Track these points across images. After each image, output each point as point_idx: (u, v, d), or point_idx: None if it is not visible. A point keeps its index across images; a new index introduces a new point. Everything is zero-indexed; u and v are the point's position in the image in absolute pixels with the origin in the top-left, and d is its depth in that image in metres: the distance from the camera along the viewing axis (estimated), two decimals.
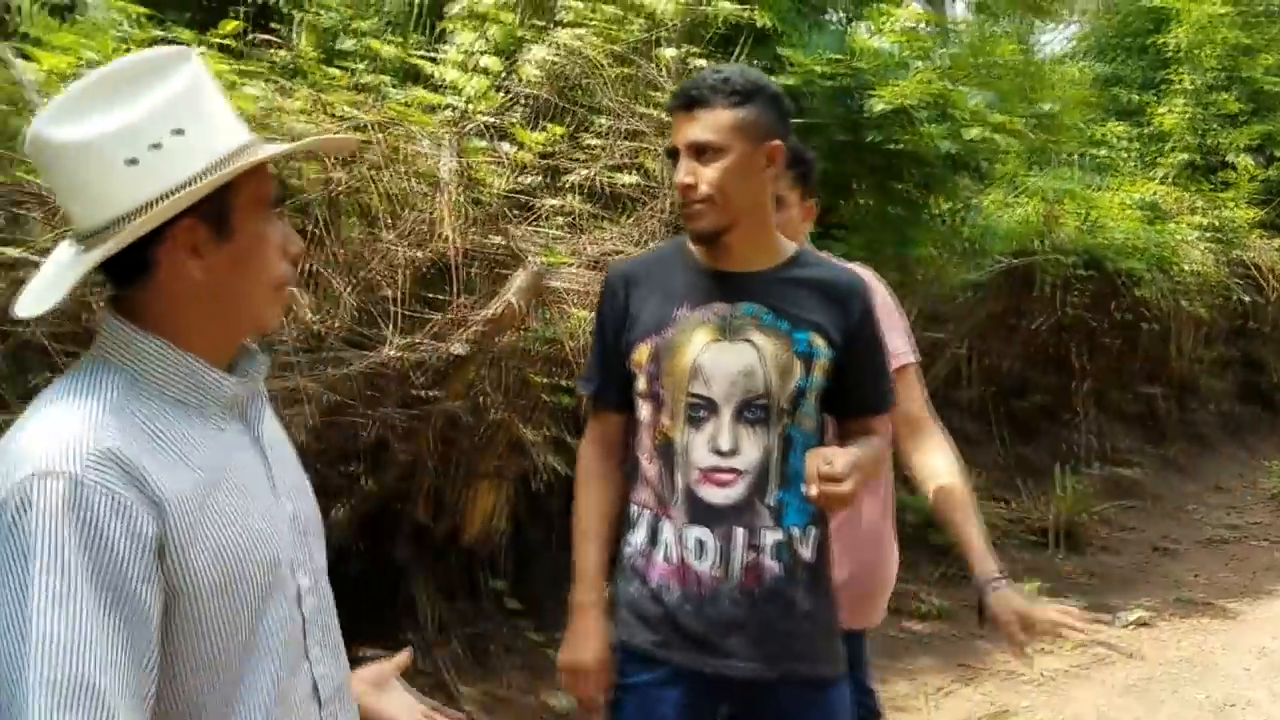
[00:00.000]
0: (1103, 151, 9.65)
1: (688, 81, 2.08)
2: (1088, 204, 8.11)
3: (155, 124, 1.18)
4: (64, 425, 1.14)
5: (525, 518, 4.27)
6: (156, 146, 1.17)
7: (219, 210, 1.22)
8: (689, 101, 1.98)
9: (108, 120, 1.17)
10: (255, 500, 1.27)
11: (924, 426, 2.51)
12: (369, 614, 3.99)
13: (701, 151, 1.96)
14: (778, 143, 2.01)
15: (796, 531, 2.02)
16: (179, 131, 1.18)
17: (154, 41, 3.68)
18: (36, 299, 1.22)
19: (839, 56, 5.40)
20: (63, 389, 1.21)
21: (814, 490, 1.84)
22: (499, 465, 3.95)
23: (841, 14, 6.40)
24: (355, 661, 3.92)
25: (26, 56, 3.27)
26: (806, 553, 2.04)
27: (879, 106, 5.28)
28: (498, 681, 4.02)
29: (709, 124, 1.95)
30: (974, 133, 5.49)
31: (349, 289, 3.39)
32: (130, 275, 1.22)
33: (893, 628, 5.35)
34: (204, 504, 1.19)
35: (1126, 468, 8.19)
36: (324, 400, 3.21)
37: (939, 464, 2.45)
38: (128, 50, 3.42)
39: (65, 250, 1.25)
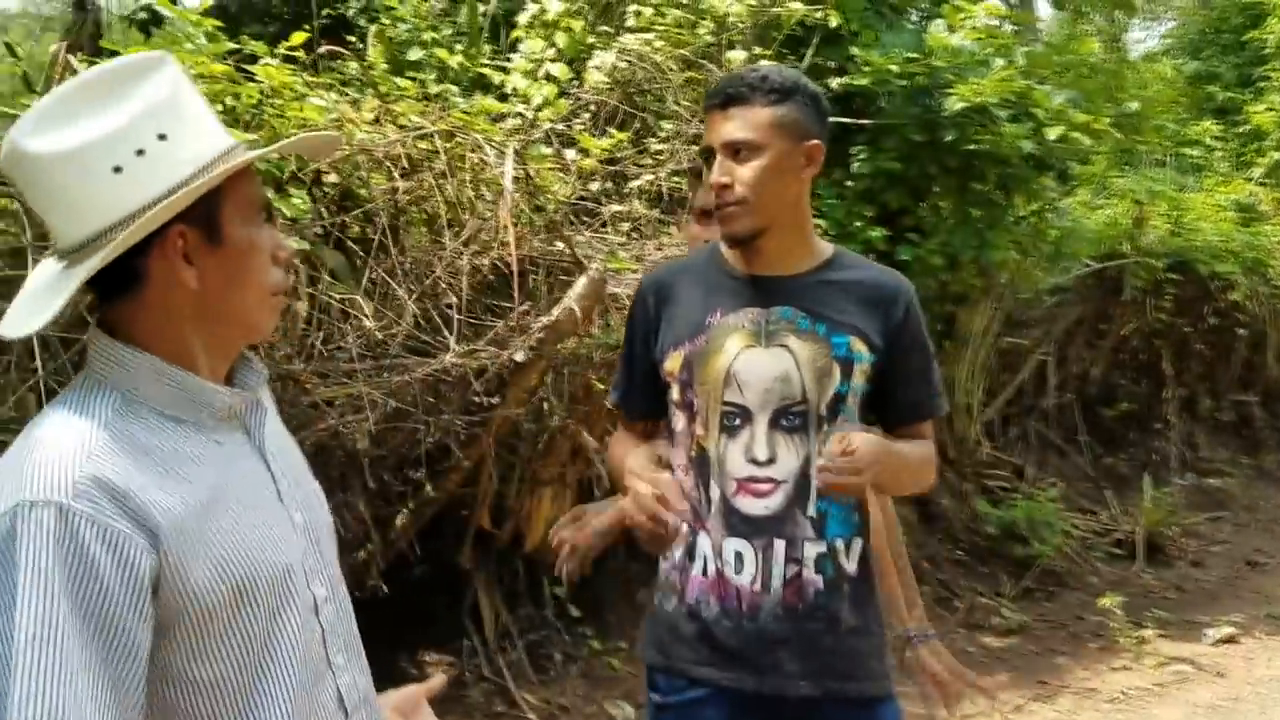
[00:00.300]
0: (1195, 151, 9.34)
1: (724, 79, 2.03)
2: (1179, 205, 7.86)
3: (139, 130, 1.14)
4: (53, 451, 1.10)
5: None
6: (141, 153, 1.14)
7: (209, 216, 1.18)
8: (726, 99, 1.93)
9: (90, 128, 1.13)
10: (260, 512, 1.24)
11: None
12: (432, 620, 4.02)
13: (737, 150, 1.91)
14: (817, 142, 1.95)
15: (840, 543, 1.96)
16: (163, 137, 1.15)
17: (229, 54, 3.75)
18: (25, 318, 1.18)
19: (914, 55, 5.31)
20: (54, 412, 1.17)
21: (822, 474, 1.81)
22: (561, 472, 3.95)
23: (917, 13, 6.28)
24: (418, 666, 3.91)
25: None
26: (850, 565, 1.97)
27: (957, 105, 5.16)
28: (559, 689, 4.01)
29: (746, 122, 1.90)
30: (1057, 132, 5.34)
31: (412, 296, 3.42)
32: (120, 289, 1.18)
33: (970, 644, 5.24)
34: (204, 521, 1.15)
35: (1217, 478, 7.92)
36: (386, 407, 3.23)
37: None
38: (202, 62, 3.50)
39: (48, 267, 1.21)
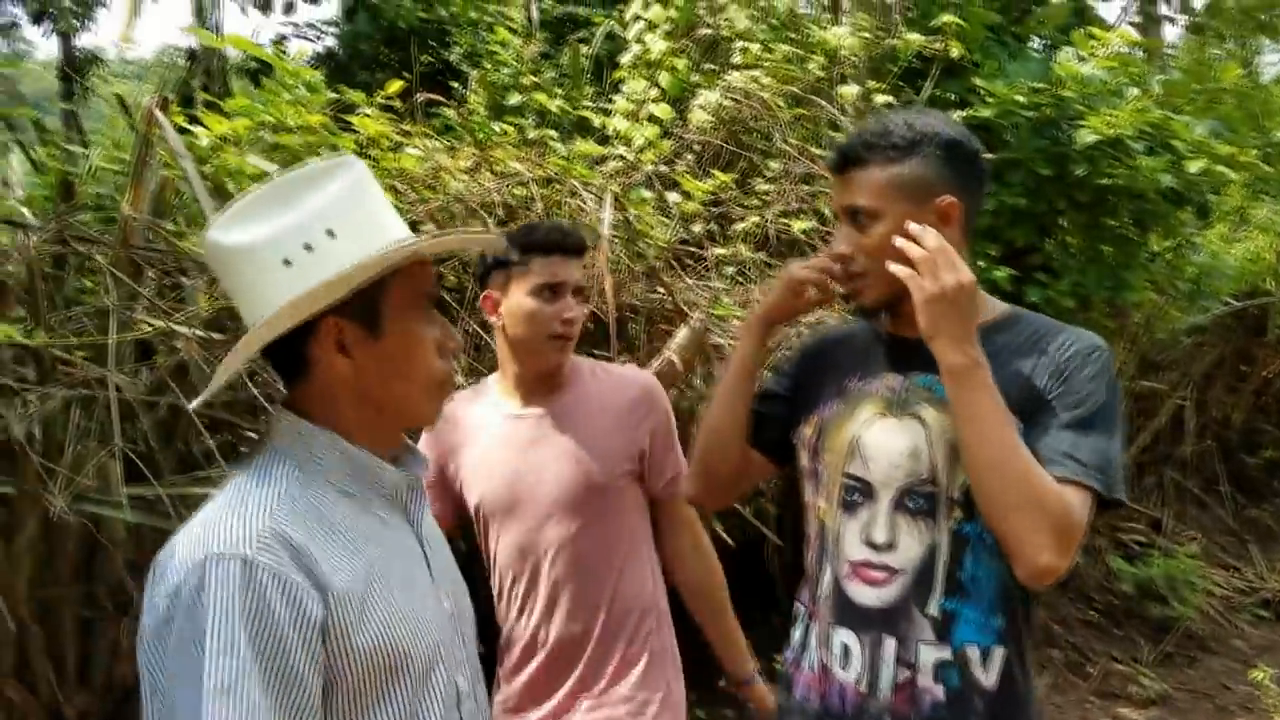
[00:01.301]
0: None
1: (847, 136, 1.84)
2: None
3: (310, 226, 1.23)
4: (239, 511, 1.20)
5: None
6: (309, 248, 1.23)
7: (371, 309, 1.27)
8: (842, 161, 1.75)
9: (268, 225, 1.24)
10: (416, 593, 1.30)
11: (691, 523, 2.42)
12: None
13: (856, 216, 1.73)
14: (950, 198, 1.71)
15: (974, 652, 1.69)
16: (331, 234, 1.23)
17: (330, 104, 3.71)
18: (209, 393, 1.34)
19: (1041, 85, 5.03)
20: (239, 478, 1.27)
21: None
22: None
23: (1042, 41, 5.98)
24: None
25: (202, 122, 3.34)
26: (987, 679, 1.69)
27: (1088, 137, 4.86)
28: None
29: (861, 185, 1.72)
30: (1198, 165, 4.98)
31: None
32: (293, 371, 1.29)
33: (1105, 714, 4.87)
34: (369, 593, 1.22)
35: None
36: None
37: (695, 557, 2.41)
38: (300, 113, 3.45)
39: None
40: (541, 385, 2.26)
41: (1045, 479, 1.59)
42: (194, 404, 1.37)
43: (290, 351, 1.27)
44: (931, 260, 1.62)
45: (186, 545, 1.18)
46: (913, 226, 1.66)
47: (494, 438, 2.25)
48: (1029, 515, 1.57)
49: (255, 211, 1.26)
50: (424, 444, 2.31)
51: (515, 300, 2.19)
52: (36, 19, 9.53)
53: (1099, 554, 5.96)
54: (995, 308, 1.80)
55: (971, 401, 1.61)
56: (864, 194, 1.71)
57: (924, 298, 1.61)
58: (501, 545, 2.25)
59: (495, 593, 2.30)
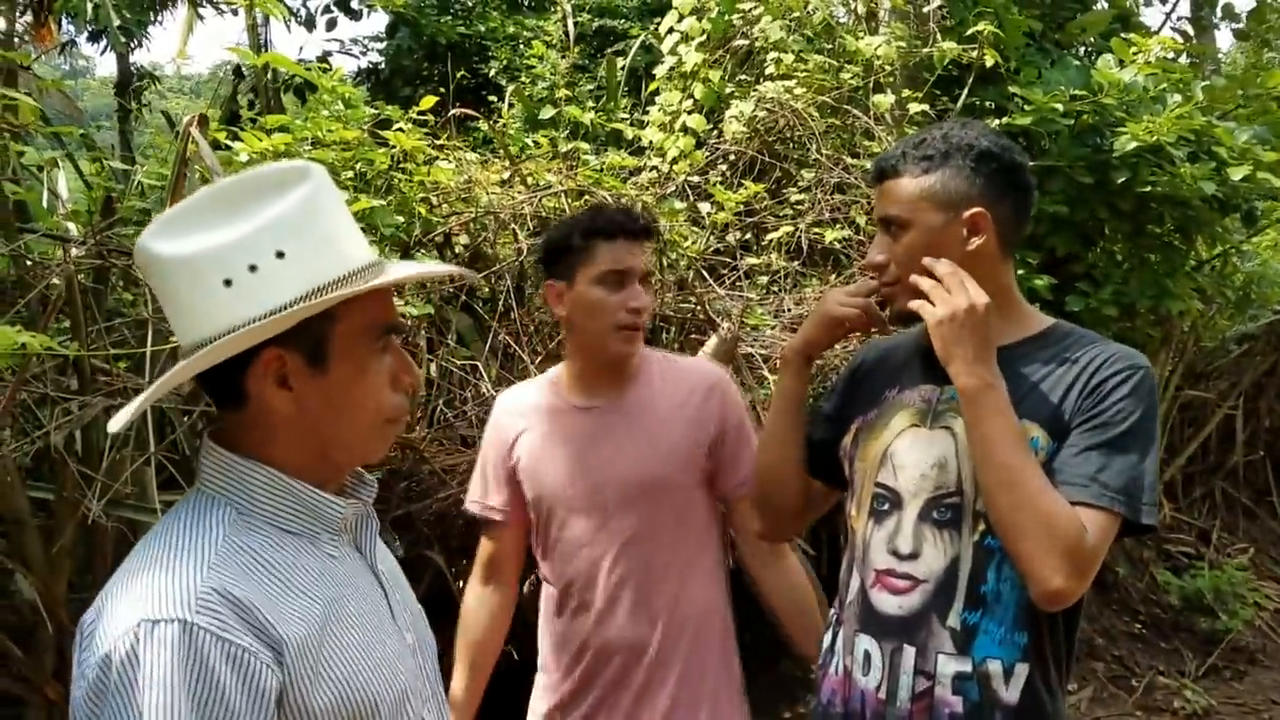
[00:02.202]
0: None
1: (888, 148, 1.89)
2: None
3: (256, 244, 1.12)
4: (172, 565, 1.07)
5: None
6: (254, 269, 1.11)
7: (315, 340, 1.15)
8: (878, 173, 1.79)
9: (210, 238, 1.11)
10: (376, 631, 1.20)
11: (780, 547, 2.29)
12: None
13: (889, 226, 1.76)
14: (979, 210, 1.71)
15: (995, 667, 1.68)
16: (280, 254, 1.12)
17: (369, 119, 3.78)
18: (127, 414, 1.21)
19: (1081, 92, 4.98)
20: (168, 528, 1.14)
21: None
22: None
23: (1083, 47, 5.92)
24: None
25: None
26: (1009, 695, 1.68)
27: (1129, 145, 4.81)
28: None
29: (894, 196, 1.75)
30: (1242, 172, 4.91)
31: (536, 359, 3.33)
32: (226, 401, 1.18)
33: None
34: (323, 640, 1.12)
35: None
36: None
37: (777, 566, 2.28)
38: (336, 130, 3.52)
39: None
40: (609, 377, 2.18)
41: (1058, 502, 1.59)
42: (115, 427, 1.22)
43: (225, 380, 1.16)
44: (942, 285, 1.65)
45: (116, 606, 1.05)
46: (927, 260, 1.69)
47: (557, 429, 2.18)
48: (1039, 538, 1.57)
49: (198, 219, 1.13)
50: (488, 438, 2.26)
51: (580, 289, 2.10)
52: (94, 37, 9.78)
53: (1145, 566, 5.88)
54: (1038, 322, 1.80)
55: (983, 423, 1.62)
56: (895, 204, 1.74)
57: (934, 321, 1.65)
58: (561, 541, 2.18)
59: (550, 592, 2.24)
